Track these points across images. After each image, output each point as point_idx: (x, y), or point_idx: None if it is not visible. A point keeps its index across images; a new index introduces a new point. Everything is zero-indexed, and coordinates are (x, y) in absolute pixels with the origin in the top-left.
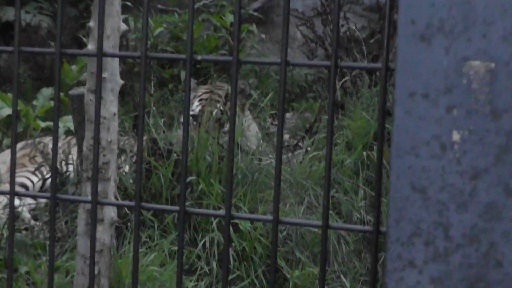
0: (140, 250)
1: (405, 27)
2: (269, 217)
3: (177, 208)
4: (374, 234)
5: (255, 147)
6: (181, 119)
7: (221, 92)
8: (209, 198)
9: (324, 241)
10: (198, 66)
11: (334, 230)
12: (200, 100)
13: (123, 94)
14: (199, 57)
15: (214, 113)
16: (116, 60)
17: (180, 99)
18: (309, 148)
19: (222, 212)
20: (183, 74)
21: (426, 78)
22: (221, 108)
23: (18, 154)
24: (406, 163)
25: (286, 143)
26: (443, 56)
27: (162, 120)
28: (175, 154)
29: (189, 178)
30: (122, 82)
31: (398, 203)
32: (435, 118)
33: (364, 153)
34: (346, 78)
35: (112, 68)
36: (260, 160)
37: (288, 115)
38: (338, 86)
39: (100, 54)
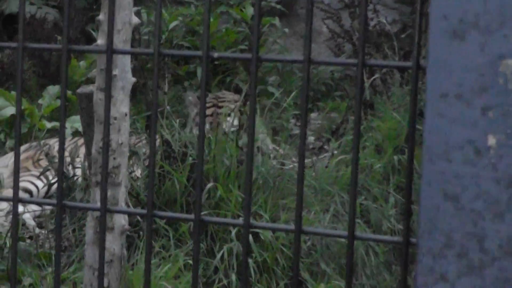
0: (152, 261)
1: (437, 22)
2: (291, 226)
3: (192, 216)
4: (404, 246)
5: (271, 148)
6: (197, 119)
7: (227, 104)
8: (227, 205)
9: (350, 253)
10: (216, 62)
11: (362, 241)
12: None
13: (135, 93)
14: (216, 55)
15: (225, 127)
16: (128, 56)
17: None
18: (335, 151)
19: (240, 220)
20: (199, 71)
21: (459, 78)
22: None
23: (22, 157)
24: (438, 169)
25: (310, 146)
26: (478, 53)
27: (177, 120)
28: (190, 158)
29: (206, 185)
30: (133, 79)
31: (429, 212)
32: (469, 121)
33: (395, 157)
34: (376, 76)
35: (123, 65)
36: (282, 164)
37: (312, 115)
38: (366, 85)
39: (110, 50)
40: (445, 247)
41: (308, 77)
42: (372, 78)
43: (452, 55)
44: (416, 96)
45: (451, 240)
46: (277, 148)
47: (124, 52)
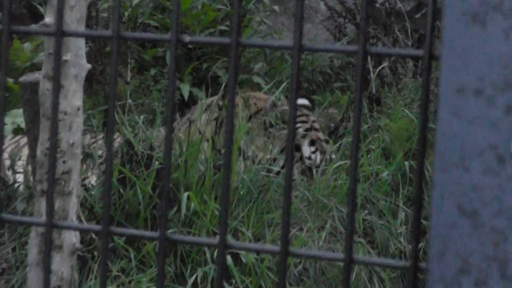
0: (109, 287)
1: (453, 3)
2: (277, 247)
3: (157, 234)
4: (412, 271)
5: (262, 154)
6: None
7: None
8: (201, 220)
9: (347, 279)
10: (190, 46)
11: (365, 265)
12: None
13: (91, 82)
14: (187, 39)
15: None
16: (82, 38)
17: (164, 89)
18: (333, 156)
19: (216, 239)
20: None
21: (479, 70)
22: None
23: None
24: (452, 179)
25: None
26: (502, 41)
27: (141, 116)
28: (156, 162)
29: (176, 195)
30: (89, 66)
31: (441, 230)
32: (491, 122)
33: (406, 163)
34: (384, 64)
35: (77, 48)
36: (269, 170)
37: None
38: (373, 75)
39: (60, 32)
40: (461, 273)
41: (297, 67)
42: (380, 67)
43: (471, 42)
44: (428, 90)
45: (467, 264)
46: (263, 151)
47: (77, 34)
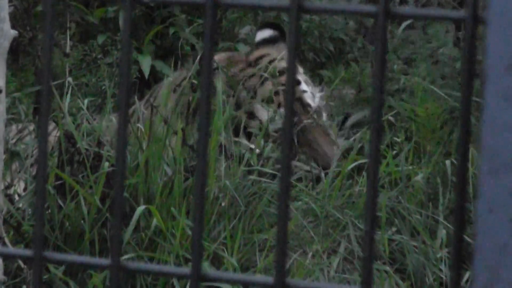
0: None
1: None
2: (270, 278)
3: (109, 261)
4: None
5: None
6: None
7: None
8: (169, 242)
9: None
10: (152, 4)
11: None
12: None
13: (17, 54)
14: None
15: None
16: None
17: (116, 63)
18: (348, 154)
19: (187, 268)
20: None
21: None
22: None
23: None
24: (504, 186)
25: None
26: None
27: (86, 100)
28: (107, 163)
29: (134, 208)
30: (14, 33)
31: (489, 254)
32: None
33: (447, 161)
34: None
35: None
36: (260, 174)
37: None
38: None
39: None
40: None
41: (296, 33)
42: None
43: None
44: (473, 65)
45: None
46: (252, 146)
47: None
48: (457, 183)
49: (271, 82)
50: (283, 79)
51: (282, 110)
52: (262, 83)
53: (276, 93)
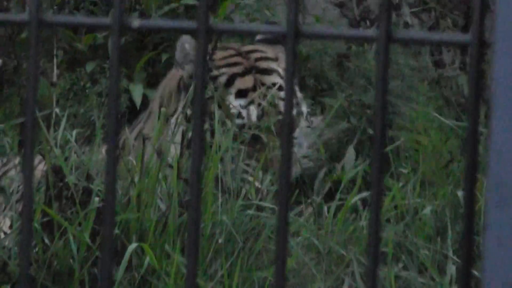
0: None
1: None
2: None
3: None
4: None
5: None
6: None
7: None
8: (163, 281)
9: None
10: (142, 31)
11: None
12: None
13: (1, 84)
14: (136, 23)
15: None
16: None
17: (106, 92)
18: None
19: None
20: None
21: None
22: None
23: None
24: None
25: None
26: None
27: (74, 132)
28: (97, 198)
29: (125, 246)
30: None
31: None
32: None
33: (460, 192)
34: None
35: None
36: (259, 208)
37: (314, 120)
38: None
39: None
40: None
41: (292, 60)
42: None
43: None
44: (480, 88)
45: None
46: (251, 179)
47: None
48: (465, 215)
49: (253, 76)
50: (269, 79)
51: (252, 107)
52: (243, 75)
53: (254, 88)
